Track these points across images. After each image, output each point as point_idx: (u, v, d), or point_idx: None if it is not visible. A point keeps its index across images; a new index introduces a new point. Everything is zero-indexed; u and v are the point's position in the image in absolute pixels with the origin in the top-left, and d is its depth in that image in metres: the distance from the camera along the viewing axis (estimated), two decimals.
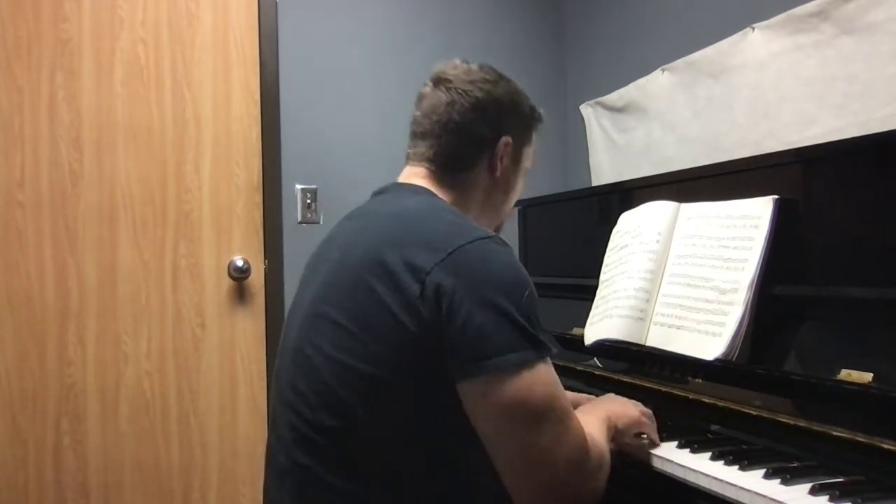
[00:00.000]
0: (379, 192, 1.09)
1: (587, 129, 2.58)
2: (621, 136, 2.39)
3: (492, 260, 0.89)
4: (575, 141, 2.69)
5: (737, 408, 1.13)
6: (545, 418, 0.86)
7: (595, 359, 1.50)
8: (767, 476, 0.93)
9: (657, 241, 1.39)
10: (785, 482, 0.90)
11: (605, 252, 1.56)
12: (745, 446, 1.09)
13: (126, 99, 2.07)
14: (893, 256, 1.05)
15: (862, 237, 1.12)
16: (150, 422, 2.07)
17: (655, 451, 1.09)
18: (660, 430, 1.16)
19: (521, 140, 1.12)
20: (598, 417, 1.03)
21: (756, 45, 1.81)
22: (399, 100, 2.35)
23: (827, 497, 0.86)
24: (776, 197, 1.19)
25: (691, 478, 1.00)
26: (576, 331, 1.55)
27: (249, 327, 2.18)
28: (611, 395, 1.19)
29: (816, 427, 0.99)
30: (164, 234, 2.10)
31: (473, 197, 1.08)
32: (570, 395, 1.12)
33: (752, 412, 1.10)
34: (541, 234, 2.06)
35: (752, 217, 1.21)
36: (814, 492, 0.87)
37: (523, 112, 1.11)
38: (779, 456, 1.02)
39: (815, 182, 1.22)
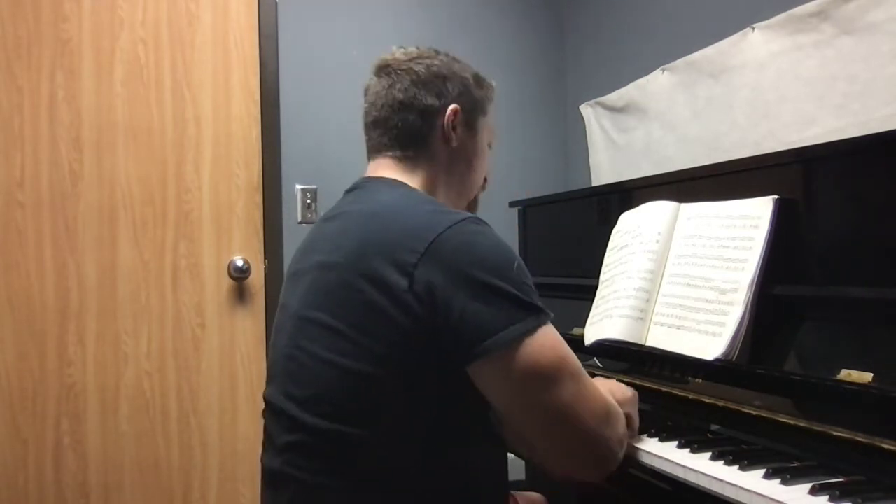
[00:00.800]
0: (350, 190, 1.09)
1: (587, 129, 2.58)
2: (621, 136, 2.39)
3: (474, 241, 0.90)
4: (575, 141, 2.69)
5: (737, 408, 1.13)
6: (560, 378, 0.88)
7: (595, 359, 1.50)
8: (767, 476, 0.93)
9: (657, 241, 1.38)
10: (785, 482, 0.90)
11: (605, 252, 1.56)
12: (745, 446, 1.08)
13: (126, 99, 2.07)
14: (893, 256, 1.05)
15: (862, 237, 1.12)
16: (150, 422, 2.07)
17: (656, 451, 1.09)
18: (660, 430, 1.16)
19: (473, 108, 1.11)
20: (602, 385, 1.04)
21: (756, 45, 1.82)
22: None
23: (827, 497, 0.85)
24: (776, 197, 1.19)
25: (691, 478, 1.00)
26: (576, 331, 1.55)
27: (249, 327, 2.18)
28: (597, 378, 1.19)
29: (816, 427, 0.99)
30: (164, 234, 2.10)
31: (438, 174, 1.08)
32: None
33: (752, 412, 1.10)
34: (541, 234, 2.06)
35: (752, 217, 1.21)
36: (814, 492, 0.87)
37: (466, 80, 1.11)
38: (779, 456, 1.02)
39: (815, 182, 1.22)
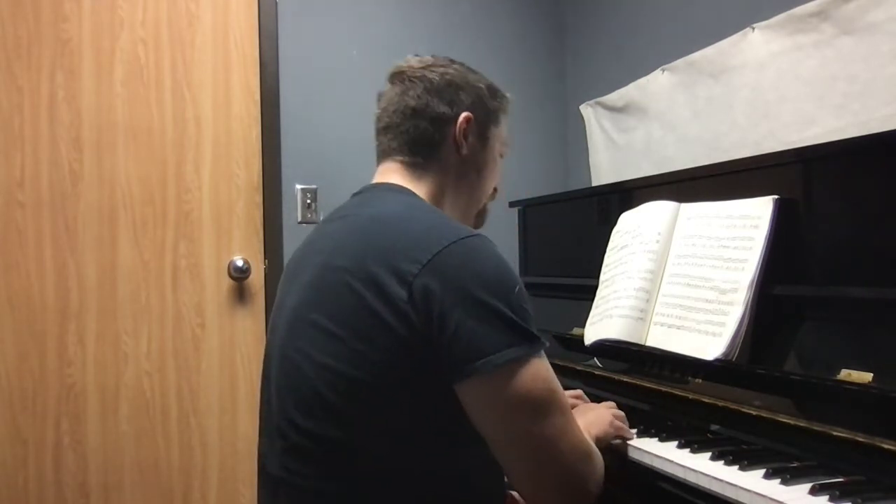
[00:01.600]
0: (357, 194, 1.08)
1: (587, 129, 2.58)
2: (621, 136, 2.39)
3: (477, 259, 0.89)
4: (575, 141, 2.69)
5: (737, 408, 1.13)
6: (547, 411, 0.87)
7: (595, 359, 1.50)
8: (767, 476, 0.93)
9: (657, 241, 1.39)
10: (785, 482, 0.91)
11: (605, 252, 1.56)
12: (745, 446, 1.09)
13: (126, 99, 2.07)
14: (893, 256, 1.05)
15: (862, 237, 1.12)
16: (150, 422, 2.07)
17: (656, 451, 1.09)
18: (660, 430, 1.16)
19: (485, 118, 1.11)
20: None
21: (756, 45, 1.81)
22: None
23: (827, 497, 0.86)
24: (776, 197, 1.19)
25: (691, 478, 1.00)
26: (576, 331, 1.55)
27: (249, 327, 2.18)
28: (579, 407, 1.20)
29: (816, 427, 0.99)
30: (164, 234, 2.10)
31: (447, 182, 1.07)
32: None
33: (752, 412, 1.10)
34: (541, 234, 2.06)
35: (752, 217, 1.21)
36: (814, 492, 0.87)
37: (480, 90, 1.10)
38: (779, 456, 1.02)
39: (815, 182, 1.22)
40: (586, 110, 2.58)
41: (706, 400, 1.20)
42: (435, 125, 1.06)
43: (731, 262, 1.21)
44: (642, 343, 1.33)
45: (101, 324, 2.03)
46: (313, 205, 2.33)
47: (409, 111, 1.06)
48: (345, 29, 2.40)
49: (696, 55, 2.03)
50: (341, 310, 0.90)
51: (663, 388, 1.30)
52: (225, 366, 2.15)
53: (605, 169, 2.47)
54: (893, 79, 1.48)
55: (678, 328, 1.26)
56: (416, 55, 1.12)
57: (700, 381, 1.24)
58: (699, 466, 1.00)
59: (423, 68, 1.08)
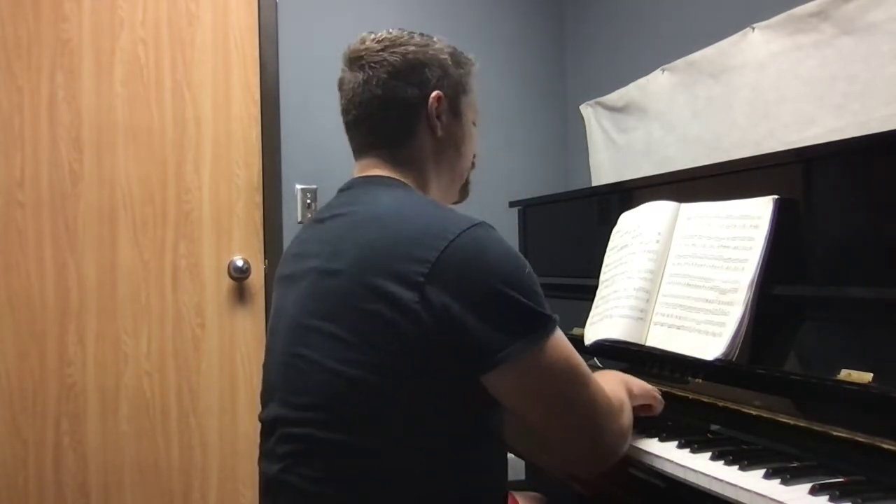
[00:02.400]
0: (344, 189, 1.06)
1: (587, 129, 2.58)
2: (621, 136, 2.39)
3: (484, 250, 0.89)
4: (575, 141, 2.69)
5: (737, 408, 1.13)
6: (574, 382, 0.91)
7: (595, 359, 1.50)
8: (767, 476, 0.93)
9: (657, 241, 1.39)
10: (785, 482, 0.90)
11: (605, 252, 1.56)
12: (745, 446, 1.08)
13: (126, 99, 2.07)
14: (893, 256, 1.05)
15: (862, 237, 1.12)
16: (150, 422, 2.07)
17: (656, 451, 1.09)
18: (660, 430, 1.16)
19: (454, 91, 1.08)
20: (615, 378, 1.09)
21: (756, 45, 1.82)
22: None
23: (827, 497, 0.86)
24: (776, 197, 1.19)
25: (691, 478, 1.00)
26: (576, 331, 1.55)
27: (249, 327, 2.18)
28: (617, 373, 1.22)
29: (816, 427, 0.99)
30: (164, 234, 2.10)
31: (428, 165, 1.06)
32: None
33: (752, 412, 1.10)
34: (541, 234, 2.06)
35: (752, 217, 1.21)
36: (814, 492, 0.87)
37: (444, 62, 1.06)
38: (779, 456, 1.02)
39: (815, 182, 1.22)
40: (586, 110, 2.59)
41: (706, 400, 1.20)
42: (406, 112, 1.03)
43: (731, 262, 1.21)
44: (642, 343, 1.33)
45: (101, 324, 2.03)
46: (313, 205, 2.33)
47: (376, 101, 1.03)
48: (345, 29, 2.39)
49: (696, 55, 2.03)
50: (348, 315, 0.89)
51: (663, 388, 1.30)
52: (225, 366, 2.15)
53: (605, 169, 2.47)
54: (893, 79, 1.48)
55: (678, 328, 1.26)
56: (372, 33, 1.07)
57: (700, 381, 1.24)
58: (699, 466, 1.00)
59: (381, 50, 1.03)
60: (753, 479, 0.93)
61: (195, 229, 2.12)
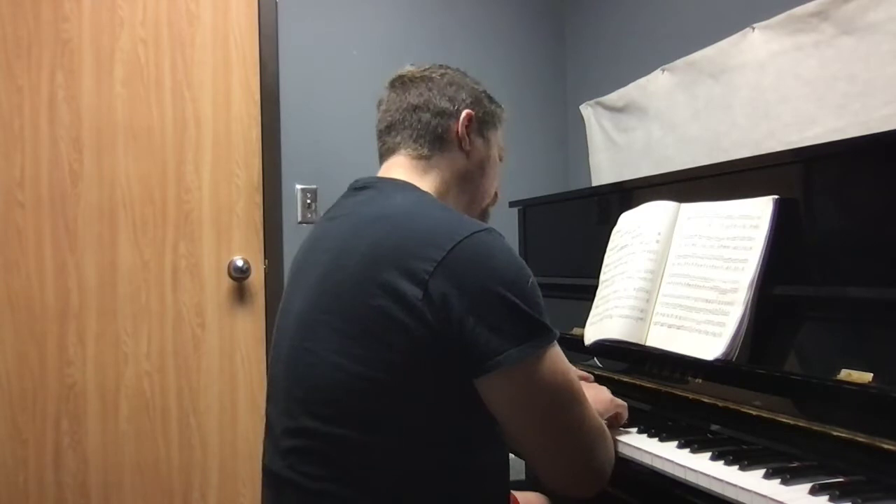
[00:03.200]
0: (359, 188, 1.06)
1: (587, 129, 2.58)
2: (621, 136, 2.39)
3: (490, 254, 0.89)
4: (575, 141, 2.69)
5: (737, 408, 1.13)
6: (566, 398, 0.91)
7: (595, 359, 1.50)
8: (767, 476, 0.93)
9: (657, 241, 1.39)
10: (785, 482, 0.90)
11: (605, 252, 1.56)
12: (745, 446, 1.08)
13: (126, 99, 2.07)
14: (893, 256, 1.05)
15: (862, 237, 1.12)
16: (150, 422, 2.07)
17: (656, 451, 1.09)
18: (660, 430, 1.16)
19: (485, 119, 1.13)
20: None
21: (756, 45, 1.82)
22: None
23: (827, 497, 0.86)
24: (776, 197, 1.19)
25: (691, 478, 1.00)
26: (576, 331, 1.55)
27: (249, 327, 2.18)
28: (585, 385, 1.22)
29: (816, 427, 0.99)
30: (164, 234, 2.10)
31: (452, 179, 1.08)
32: None
33: (752, 412, 1.10)
34: (541, 234, 2.06)
35: (752, 217, 1.21)
36: (814, 492, 0.87)
37: (478, 92, 1.13)
38: (779, 456, 1.02)
39: (815, 182, 1.22)
40: (586, 110, 2.59)
41: (706, 400, 1.20)
42: (438, 118, 1.07)
43: (731, 262, 1.21)
44: (642, 343, 1.33)
45: (101, 324, 2.03)
46: (313, 205, 2.33)
47: (410, 108, 1.08)
48: (345, 29, 2.40)
49: (696, 55, 2.03)
50: (354, 311, 0.90)
51: (663, 388, 1.30)
52: (225, 366, 2.15)
53: (605, 169, 2.47)
54: (893, 79, 1.48)
55: (678, 328, 1.26)
56: (413, 64, 1.15)
57: (700, 381, 1.24)
58: (699, 466, 1.00)
59: (422, 72, 1.12)
60: (753, 479, 0.93)
61: (195, 229, 2.12)
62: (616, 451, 1.08)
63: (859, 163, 1.14)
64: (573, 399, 0.91)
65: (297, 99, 2.30)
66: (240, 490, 2.15)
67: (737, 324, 1.15)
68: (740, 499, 0.91)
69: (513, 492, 1.18)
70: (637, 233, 1.45)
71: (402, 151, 1.08)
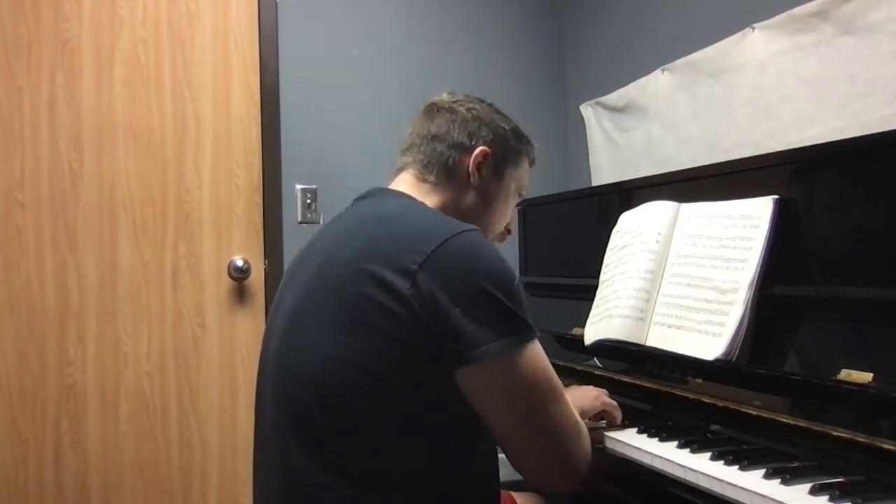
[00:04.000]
0: (361, 197, 1.11)
1: (587, 129, 2.58)
2: (621, 136, 2.39)
3: (478, 251, 0.92)
4: (575, 141, 2.69)
5: (737, 408, 1.13)
6: (545, 394, 0.92)
7: (595, 359, 1.50)
8: (767, 476, 0.93)
9: (657, 241, 1.39)
10: (785, 482, 0.91)
11: (605, 252, 1.56)
12: (745, 446, 1.09)
13: (126, 99, 2.07)
14: (893, 256, 1.05)
15: (862, 237, 1.12)
16: (150, 422, 2.07)
17: (656, 451, 1.09)
18: (660, 430, 1.16)
19: (504, 157, 1.15)
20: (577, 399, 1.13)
21: (756, 45, 1.81)
22: (399, 100, 2.35)
23: (827, 497, 0.86)
24: (776, 197, 1.19)
25: (691, 478, 1.00)
26: (576, 331, 1.55)
27: (249, 327, 2.18)
28: (569, 387, 1.24)
29: (816, 427, 1.00)
30: (164, 234, 2.10)
31: (452, 207, 1.10)
32: None
33: (752, 412, 1.11)
34: (541, 234, 2.06)
35: (752, 217, 1.21)
36: (814, 492, 0.87)
37: (503, 130, 1.15)
38: (779, 456, 1.02)
39: (815, 182, 1.22)
40: (586, 110, 2.58)
41: (706, 400, 1.20)
42: (452, 151, 1.10)
43: (731, 262, 1.21)
44: (642, 343, 1.33)
45: (101, 324, 2.03)
46: (313, 205, 2.33)
47: (430, 136, 1.12)
48: (345, 29, 2.40)
49: (696, 55, 2.03)
50: (344, 302, 0.91)
51: (663, 388, 1.30)
52: (225, 366, 2.15)
53: (605, 169, 2.47)
54: (893, 79, 1.48)
55: (678, 328, 1.26)
56: (451, 92, 1.18)
57: (700, 381, 1.24)
58: (699, 466, 1.00)
59: (452, 102, 1.14)
60: (753, 479, 0.93)
61: (195, 229, 2.12)
62: (606, 451, 1.08)
63: (859, 163, 1.14)
64: (551, 395, 0.93)
65: (297, 99, 2.30)
66: (240, 490, 2.15)
67: (737, 324, 1.16)
68: (740, 499, 0.91)
69: (510, 492, 1.18)
70: (637, 233, 1.45)
71: (411, 171, 1.12)
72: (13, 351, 1.96)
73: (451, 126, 1.11)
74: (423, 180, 1.10)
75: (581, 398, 1.18)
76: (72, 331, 2.01)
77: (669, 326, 1.29)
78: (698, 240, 1.31)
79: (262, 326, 2.18)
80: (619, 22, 2.45)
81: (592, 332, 1.45)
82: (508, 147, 1.15)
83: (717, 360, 1.16)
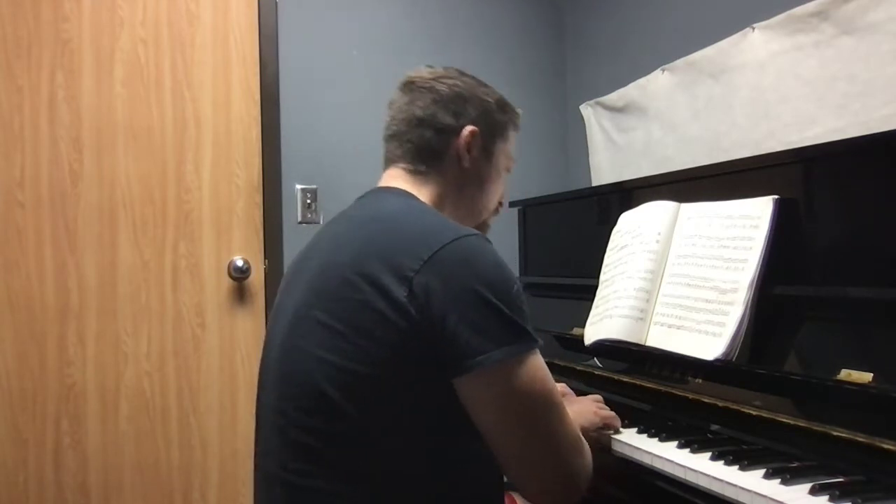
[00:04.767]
0: (360, 198, 1.10)
1: (587, 129, 2.58)
2: (621, 136, 2.39)
3: (477, 257, 0.90)
4: (575, 141, 2.69)
5: (737, 408, 1.13)
6: (543, 406, 0.90)
7: (595, 359, 1.50)
8: (767, 476, 0.93)
9: (657, 241, 1.39)
10: (785, 482, 0.91)
11: (605, 252, 1.56)
12: (745, 446, 1.09)
13: (126, 99, 2.07)
14: (893, 256, 1.05)
15: (862, 237, 1.12)
16: (150, 422, 2.07)
17: (656, 451, 1.09)
18: (660, 430, 1.16)
19: (491, 132, 1.11)
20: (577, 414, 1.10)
21: (756, 45, 1.81)
22: None
23: (827, 497, 0.86)
24: (776, 197, 1.19)
25: (691, 478, 1.00)
26: (576, 331, 1.55)
27: (249, 327, 2.18)
28: (564, 399, 1.22)
29: (816, 427, 0.99)
30: (164, 234, 2.10)
31: (447, 191, 1.09)
32: None
33: (752, 412, 1.10)
34: (541, 234, 2.06)
35: (752, 217, 1.21)
36: (814, 492, 0.87)
37: (488, 103, 1.11)
38: (779, 456, 1.02)
39: (815, 182, 1.22)
40: (586, 110, 2.58)
41: (706, 400, 1.20)
42: (439, 135, 1.07)
43: (731, 262, 1.21)
44: (642, 343, 1.33)
45: (101, 324, 2.03)
46: (313, 205, 2.33)
47: (415, 120, 1.08)
48: (345, 29, 2.40)
49: (696, 55, 2.03)
50: (342, 307, 0.91)
51: (663, 388, 1.30)
52: (225, 366, 2.15)
53: (605, 169, 2.47)
54: (893, 79, 1.48)
55: (678, 328, 1.26)
56: (429, 66, 1.13)
57: (700, 381, 1.24)
58: (699, 466, 1.00)
59: (432, 79, 1.09)
60: (753, 479, 0.93)
61: (195, 229, 2.12)
62: (612, 454, 1.07)
63: (859, 163, 1.14)
64: (550, 408, 0.90)
65: (297, 99, 2.30)
66: (240, 490, 2.15)
67: (737, 324, 1.16)
68: (740, 499, 0.91)
69: (512, 493, 1.18)
70: (637, 233, 1.45)
71: (401, 165, 1.09)
72: (13, 351, 1.96)
73: (436, 108, 1.07)
74: (415, 171, 1.08)
75: (579, 415, 1.14)
76: (72, 331, 2.01)
77: (669, 326, 1.29)
78: (698, 240, 1.31)
79: (262, 326, 2.18)
80: (619, 22, 2.45)
81: (592, 331, 1.45)
82: (495, 121, 1.12)
83: (717, 360, 1.16)
